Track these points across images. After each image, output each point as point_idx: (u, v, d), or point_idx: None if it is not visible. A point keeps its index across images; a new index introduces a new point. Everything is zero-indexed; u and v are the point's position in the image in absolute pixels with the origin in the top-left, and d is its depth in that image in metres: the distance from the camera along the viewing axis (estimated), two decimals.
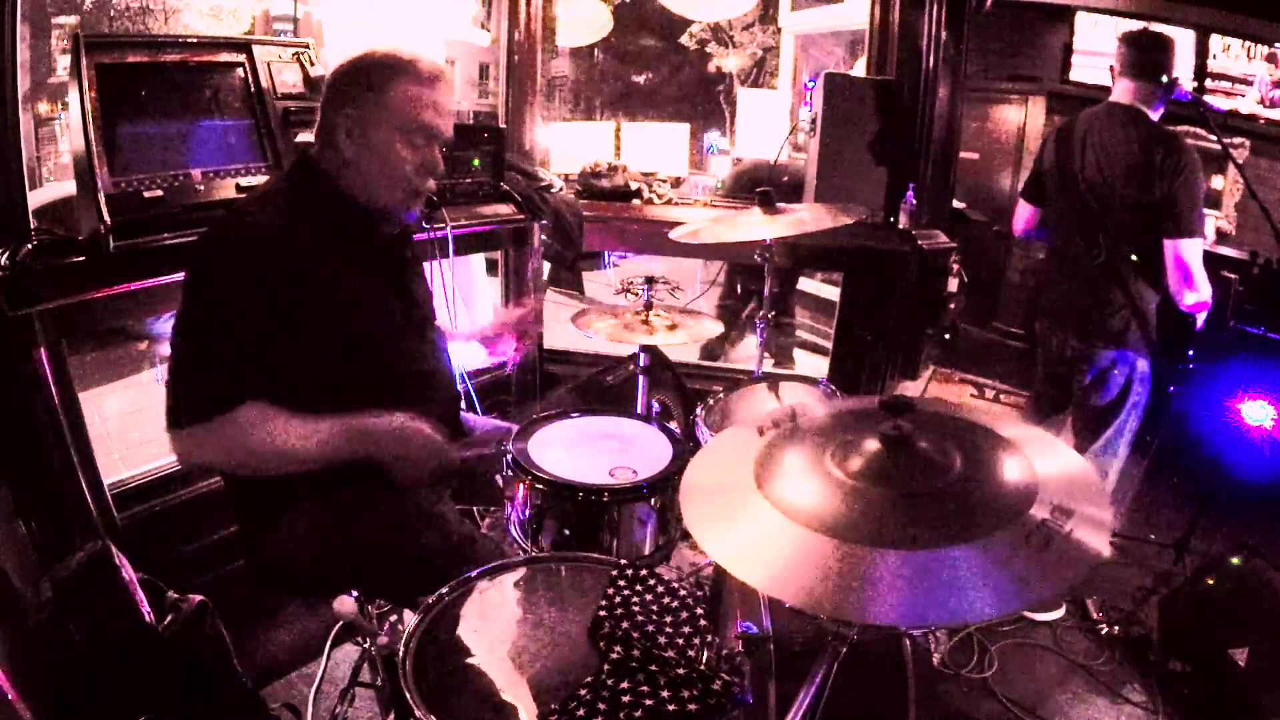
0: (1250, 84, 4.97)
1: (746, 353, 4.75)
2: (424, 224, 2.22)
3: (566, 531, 1.40)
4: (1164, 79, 2.18)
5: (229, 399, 1.22)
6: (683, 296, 2.65)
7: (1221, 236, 5.09)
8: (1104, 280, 2.23)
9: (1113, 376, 2.28)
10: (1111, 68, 2.26)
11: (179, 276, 1.38)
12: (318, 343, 1.29)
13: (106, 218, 1.63)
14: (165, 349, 1.26)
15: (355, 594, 0.98)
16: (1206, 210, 5.36)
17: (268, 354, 1.25)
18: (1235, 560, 2.05)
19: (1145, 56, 2.18)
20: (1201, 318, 2.21)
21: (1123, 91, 2.22)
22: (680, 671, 0.91)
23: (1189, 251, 2.09)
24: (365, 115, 1.31)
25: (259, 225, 1.28)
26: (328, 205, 1.35)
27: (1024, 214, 2.54)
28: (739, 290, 4.73)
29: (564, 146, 3.39)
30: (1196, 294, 2.10)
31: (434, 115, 1.33)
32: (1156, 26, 4.71)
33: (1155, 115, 2.20)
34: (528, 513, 1.44)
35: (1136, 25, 4.72)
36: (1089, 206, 2.24)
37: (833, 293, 5.14)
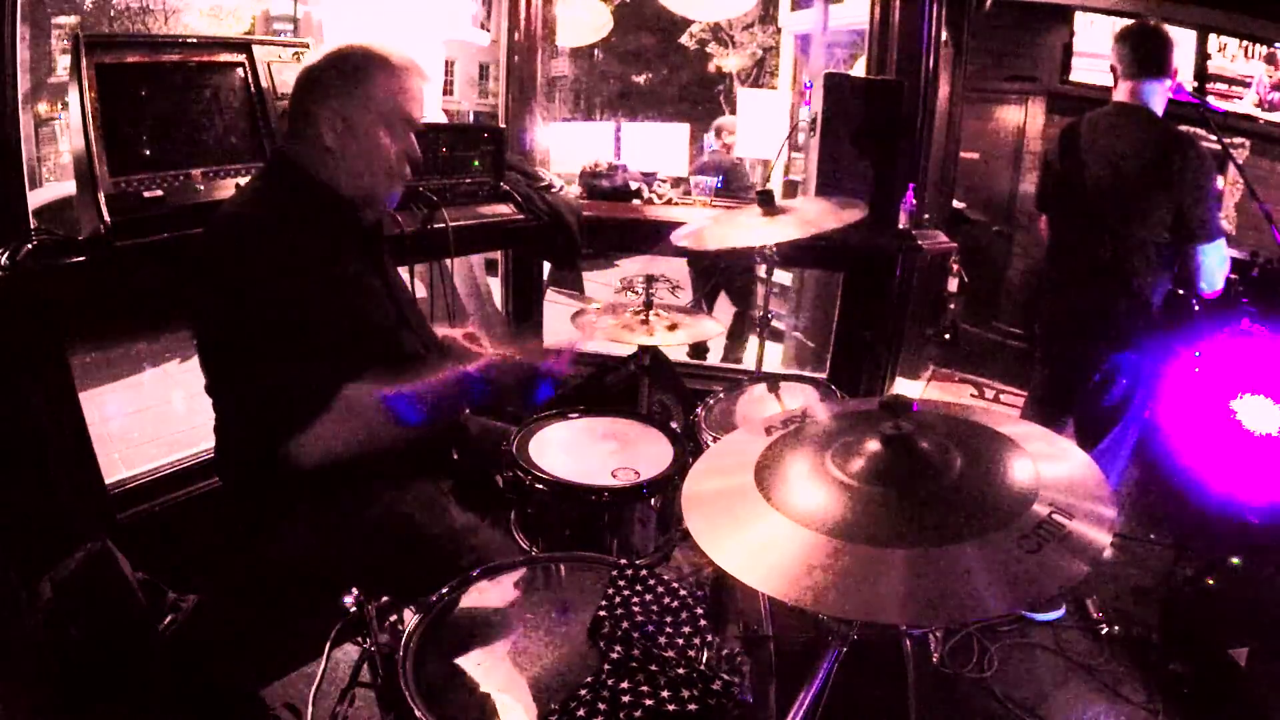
0: (1248, 85, 4.97)
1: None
2: (424, 224, 2.23)
3: (567, 532, 1.40)
4: (1166, 75, 2.16)
5: (325, 391, 1.23)
6: (683, 295, 2.65)
7: None
8: (1109, 282, 2.21)
9: (1118, 378, 2.27)
10: (1113, 68, 2.23)
11: (179, 277, 1.39)
12: (324, 332, 1.29)
13: (106, 218, 1.63)
14: (166, 348, 1.26)
15: (356, 593, 0.98)
16: None
17: (330, 334, 1.27)
18: (1235, 560, 2.05)
19: (1145, 54, 2.16)
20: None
21: (1127, 92, 2.18)
22: (680, 671, 0.91)
23: (1214, 256, 2.10)
24: (349, 108, 1.36)
25: (257, 220, 1.31)
26: (308, 198, 1.37)
27: (1045, 222, 2.53)
28: (706, 281, 4.82)
29: (564, 146, 3.39)
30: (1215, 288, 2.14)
31: (413, 105, 1.41)
32: None
33: (1160, 112, 2.17)
34: (528, 513, 1.44)
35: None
36: (1099, 209, 2.20)
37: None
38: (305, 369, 1.23)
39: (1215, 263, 2.11)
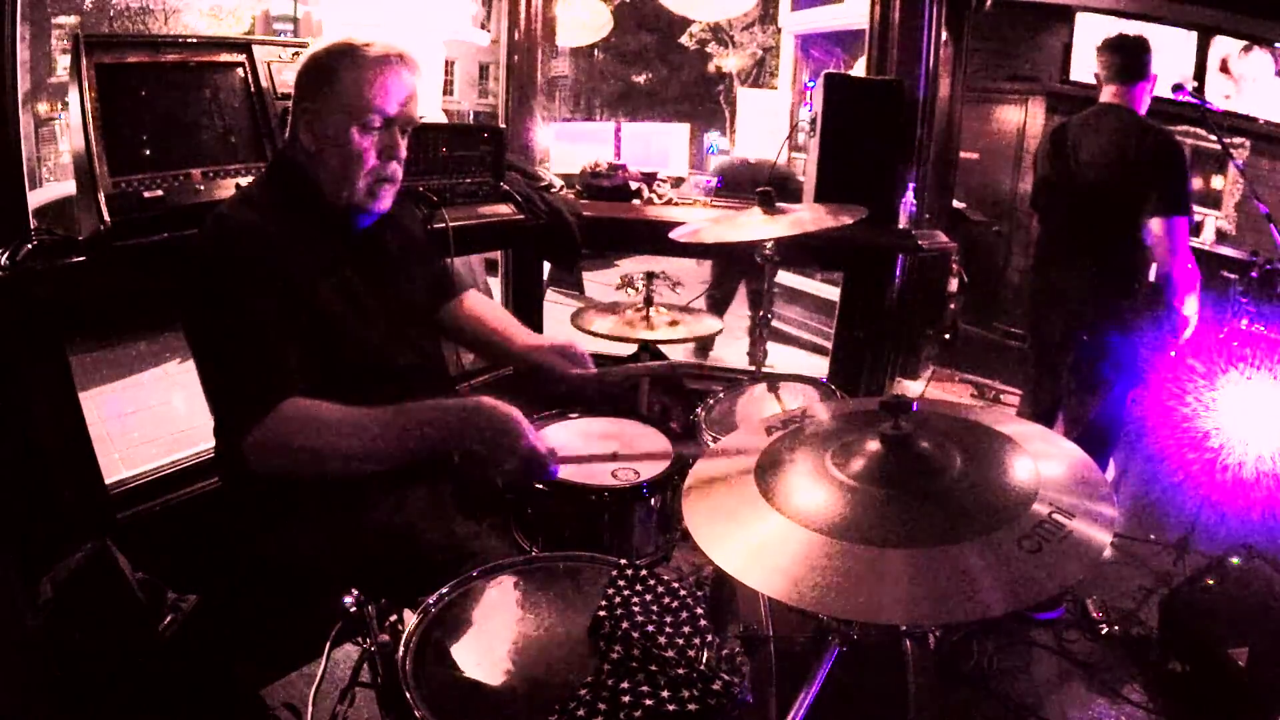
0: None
1: (734, 339, 4.80)
2: (424, 224, 2.22)
3: (566, 532, 1.40)
4: (1145, 79, 2.31)
5: (266, 398, 1.19)
6: (683, 293, 2.65)
7: (1221, 236, 5.09)
8: (1095, 271, 2.30)
9: (1104, 366, 2.33)
10: (1096, 75, 2.40)
11: (179, 277, 1.38)
12: (287, 336, 1.26)
13: (106, 218, 1.63)
14: (166, 348, 1.26)
15: (356, 593, 0.98)
16: (1206, 210, 5.40)
17: (288, 339, 1.24)
18: (1235, 560, 2.06)
19: (1124, 61, 2.31)
20: (1190, 307, 2.24)
21: (1110, 94, 2.35)
22: (680, 671, 0.91)
23: (1180, 230, 2.17)
24: (319, 106, 1.33)
25: (238, 222, 1.29)
26: (300, 201, 1.35)
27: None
28: (726, 278, 4.77)
29: (564, 146, 3.39)
30: (1183, 277, 2.17)
31: (383, 97, 1.32)
32: (1157, 27, 4.73)
33: (1143, 111, 2.32)
34: (528, 513, 1.44)
35: (1132, 26, 4.72)
36: (1084, 201, 2.32)
37: (832, 293, 5.18)
38: (257, 370, 1.21)
39: (1184, 241, 2.17)
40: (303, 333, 1.27)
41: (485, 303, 1.76)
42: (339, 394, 1.28)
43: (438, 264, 1.74)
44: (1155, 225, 2.18)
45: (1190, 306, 2.23)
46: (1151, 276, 2.35)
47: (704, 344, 4.45)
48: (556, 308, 3.99)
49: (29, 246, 1.62)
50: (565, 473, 1.42)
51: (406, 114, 1.37)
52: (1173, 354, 2.29)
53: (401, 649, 0.95)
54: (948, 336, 4.23)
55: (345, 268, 1.38)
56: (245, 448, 1.19)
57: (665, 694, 0.88)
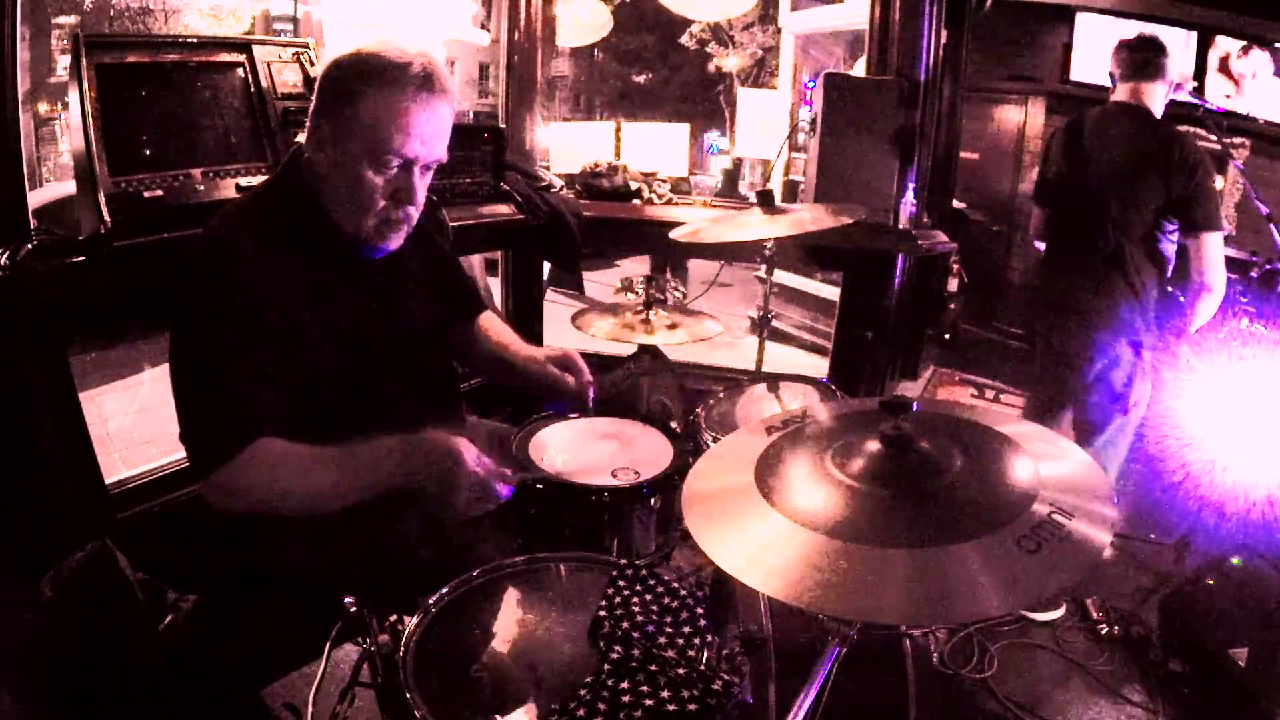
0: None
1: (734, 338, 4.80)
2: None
3: (566, 532, 1.40)
4: (1163, 79, 2.26)
5: (229, 445, 1.13)
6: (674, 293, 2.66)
7: None
8: (1108, 274, 2.27)
9: (1114, 371, 2.31)
10: (1111, 74, 2.34)
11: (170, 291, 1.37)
12: (285, 370, 1.22)
13: (106, 218, 1.63)
14: (166, 348, 1.24)
15: (354, 598, 0.98)
16: None
17: (261, 380, 1.18)
18: (1235, 560, 2.05)
19: (1146, 58, 2.26)
20: (1206, 312, 2.23)
21: (1127, 92, 2.29)
22: (680, 671, 0.91)
23: (1216, 245, 2.15)
24: (335, 128, 1.19)
25: (224, 248, 1.21)
26: (301, 220, 1.26)
27: (1040, 218, 2.60)
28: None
29: (564, 146, 3.39)
30: (1217, 291, 2.17)
31: (405, 137, 1.17)
32: (1158, 27, 4.73)
33: (1159, 114, 2.27)
34: (529, 513, 1.44)
35: (1132, 26, 4.72)
36: (1100, 202, 2.27)
37: (832, 293, 5.19)
38: (224, 414, 1.15)
39: (1220, 255, 2.16)
40: (285, 365, 1.21)
41: (491, 319, 1.69)
42: (327, 428, 1.23)
43: (464, 282, 1.66)
44: (1193, 244, 2.16)
45: (1200, 318, 2.21)
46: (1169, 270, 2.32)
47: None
48: (557, 308, 3.99)
49: (29, 246, 1.62)
50: (565, 472, 1.42)
51: (430, 154, 1.22)
52: (1193, 364, 2.28)
53: (401, 649, 0.95)
54: (948, 336, 4.23)
55: (346, 294, 1.30)
56: (204, 489, 1.16)
57: (665, 694, 0.88)
